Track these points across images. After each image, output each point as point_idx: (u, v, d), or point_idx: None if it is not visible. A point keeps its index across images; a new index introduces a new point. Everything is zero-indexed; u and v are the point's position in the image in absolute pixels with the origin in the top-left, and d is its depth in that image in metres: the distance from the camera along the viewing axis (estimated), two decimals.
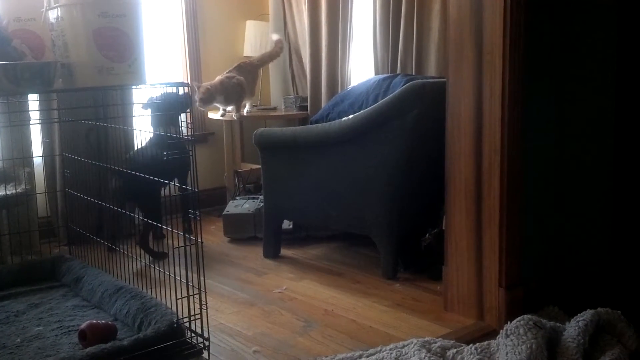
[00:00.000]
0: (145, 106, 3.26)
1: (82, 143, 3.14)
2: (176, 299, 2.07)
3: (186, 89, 3.21)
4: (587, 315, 2.09)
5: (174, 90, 3.08)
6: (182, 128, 2.58)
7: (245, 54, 4.59)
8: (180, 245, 2.05)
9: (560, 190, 2.54)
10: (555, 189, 2.52)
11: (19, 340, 2.16)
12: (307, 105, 4.33)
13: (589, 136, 2.59)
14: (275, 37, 4.27)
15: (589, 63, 2.54)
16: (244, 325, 2.47)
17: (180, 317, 2.05)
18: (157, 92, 3.26)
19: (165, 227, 2.46)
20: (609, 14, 2.51)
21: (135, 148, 3.28)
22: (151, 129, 3.34)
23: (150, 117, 3.33)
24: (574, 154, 2.55)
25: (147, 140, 3.32)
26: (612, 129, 2.59)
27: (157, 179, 2.33)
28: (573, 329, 2.04)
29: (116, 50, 2.22)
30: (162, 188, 2.92)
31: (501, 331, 2.05)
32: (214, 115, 4.26)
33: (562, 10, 2.43)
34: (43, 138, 3.55)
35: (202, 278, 2.02)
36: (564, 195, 2.55)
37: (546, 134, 2.46)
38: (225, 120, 4.29)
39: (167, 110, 3.12)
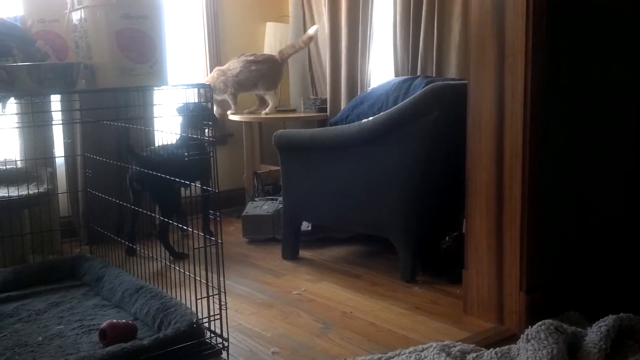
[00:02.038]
0: (179, 110, 3.29)
1: (107, 143, 3.17)
2: (196, 299, 2.08)
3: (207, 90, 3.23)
4: (608, 320, 2.06)
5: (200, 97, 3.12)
6: (205, 130, 2.60)
7: None
8: (200, 246, 2.06)
9: (582, 194, 2.52)
10: (577, 192, 2.50)
11: (40, 338, 2.18)
12: (326, 107, 4.32)
13: (611, 139, 2.56)
14: (312, 30, 4.30)
15: (610, 66, 2.52)
16: (262, 326, 2.47)
17: (200, 317, 2.06)
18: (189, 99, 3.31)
19: (184, 227, 2.48)
20: (632, 16, 2.49)
21: (156, 145, 3.33)
22: (178, 131, 3.38)
23: (179, 120, 3.37)
24: (595, 157, 2.53)
25: (173, 142, 3.35)
26: (635, 132, 2.57)
27: (173, 178, 2.35)
28: (594, 334, 2.01)
29: (138, 51, 2.23)
30: (184, 189, 2.95)
31: (522, 336, 2.03)
32: (234, 116, 4.29)
33: (584, 13, 2.41)
34: (65, 138, 3.59)
35: (221, 279, 2.03)
36: (586, 198, 2.53)
37: (568, 137, 2.44)
38: (244, 122, 4.31)
39: (196, 114, 3.14)
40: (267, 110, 4.23)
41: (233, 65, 4.17)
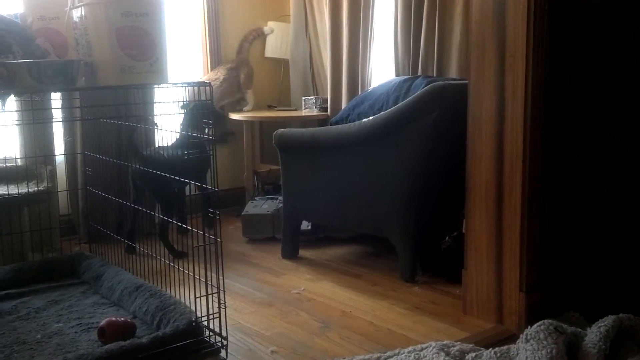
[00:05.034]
0: (183, 106, 3.28)
1: (107, 141, 3.17)
2: (195, 298, 2.08)
3: (207, 89, 3.23)
4: (608, 321, 2.06)
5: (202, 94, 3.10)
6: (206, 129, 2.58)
7: (266, 55, 4.61)
8: (199, 244, 2.05)
9: (583, 194, 2.51)
10: (578, 192, 2.50)
11: (39, 336, 2.18)
12: (327, 107, 4.32)
13: (613, 139, 2.55)
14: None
15: (612, 65, 2.51)
16: (261, 325, 2.47)
17: (199, 315, 2.06)
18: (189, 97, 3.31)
19: (183, 225, 2.48)
20: (632, 15, 2.48)
21: (157, 145, 3.32)
22: (178, 129, 3.37)
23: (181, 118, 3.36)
24: (597, 157, 2.53)
25: (173, 141, 3.35)
26: (637, 132, 2.56)
27: (171, 174, 2.35)
28: (594, 334, 2.01)
29: (138, 49, 2.24)
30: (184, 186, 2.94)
31: (521, 336, 2.03)
32: (234, 115, 4.28)
33: (585, 12, 2.40)
34: (65, 136, 3.58)
35: (220, 277, 2.03)
36: (587, 198, 2.53)
37: (569, 137, 2.43)
38: (245, 121, 4.31)
39: (197, 113, 3.13)
40: (248, 107, 4.44)
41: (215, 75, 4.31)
